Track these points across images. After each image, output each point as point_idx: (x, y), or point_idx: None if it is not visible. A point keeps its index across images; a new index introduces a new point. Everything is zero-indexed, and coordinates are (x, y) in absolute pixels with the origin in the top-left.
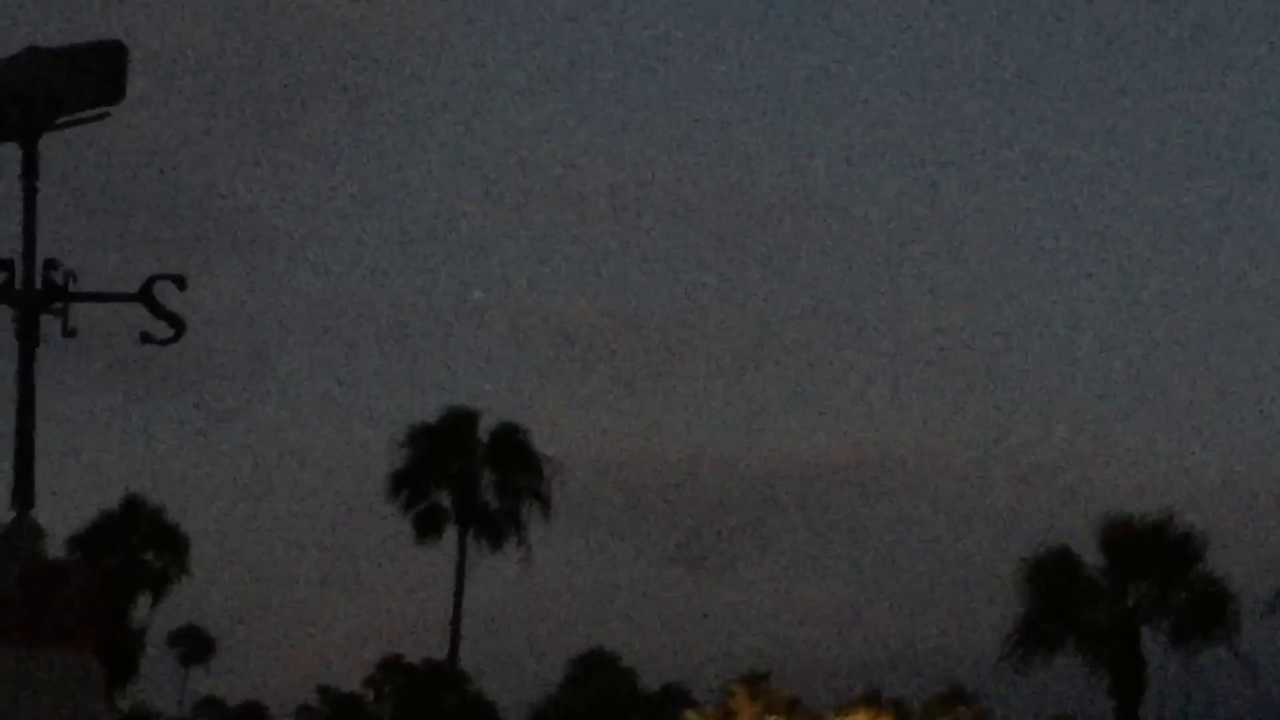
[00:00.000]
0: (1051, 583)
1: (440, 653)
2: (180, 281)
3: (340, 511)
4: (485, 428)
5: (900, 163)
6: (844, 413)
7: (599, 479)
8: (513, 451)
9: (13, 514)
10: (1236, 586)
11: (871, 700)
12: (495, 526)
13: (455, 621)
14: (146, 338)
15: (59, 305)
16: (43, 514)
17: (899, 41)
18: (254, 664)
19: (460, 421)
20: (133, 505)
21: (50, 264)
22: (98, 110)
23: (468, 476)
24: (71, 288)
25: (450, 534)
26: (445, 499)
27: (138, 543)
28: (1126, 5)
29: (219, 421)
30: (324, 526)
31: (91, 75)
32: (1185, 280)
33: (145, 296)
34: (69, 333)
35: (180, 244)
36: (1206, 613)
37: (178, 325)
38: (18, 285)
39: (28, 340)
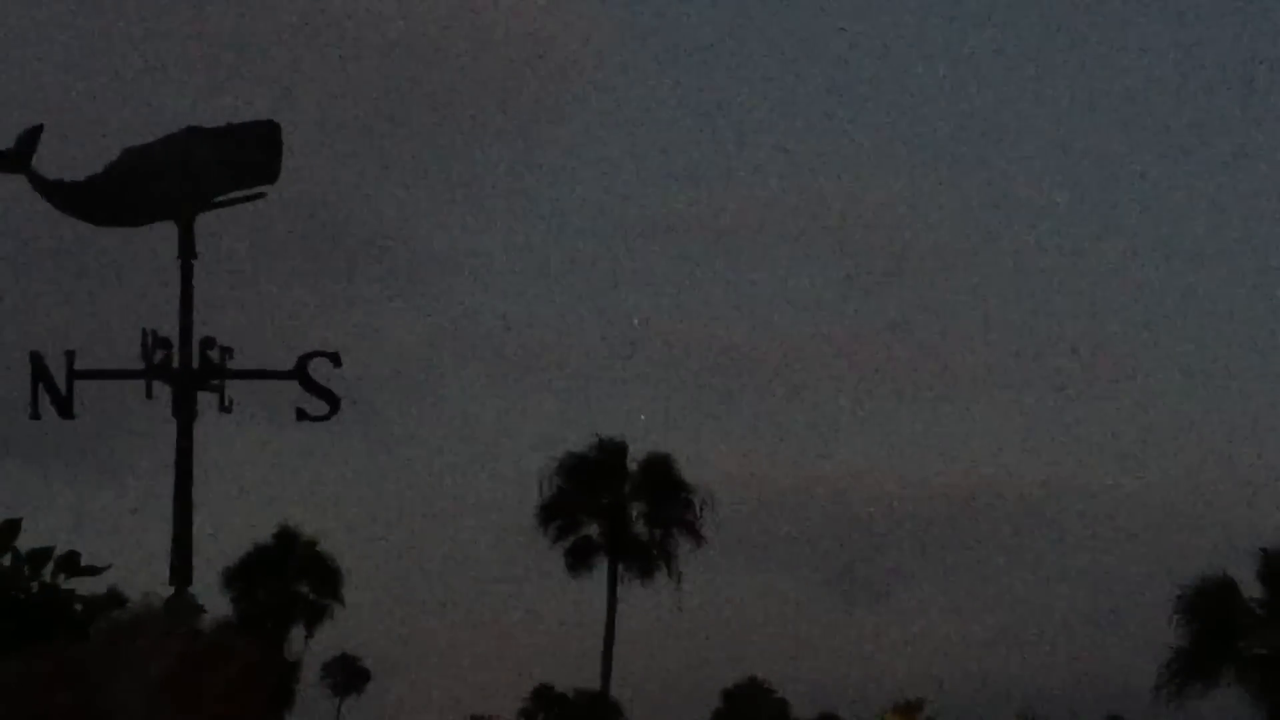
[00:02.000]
0: (1209, 613)
1: (592, 683)
2: (335, 359)
3: (493, 542)
4: (634, 457)
5: (1054, 178)
6: (1003, 440)
7: (750, 507)
8: (662, 481)
9: (171, 590)
10: None
11: None
12: (646, 557)
13: (607, 652)
14: (302, 414)
15: (216, 382)
16: (198, 549)
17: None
18: (408, 695)
19: (610, 452)
20: (286, 536)
21: (207, 342)
22: (254, 190)
23: (618, 507)
24: (228, 364)
25: (601, 564)
26: (595, 530)
27: (292, 574)
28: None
29: (374, 451)
30: (478, 557)
31: (248, 155)
32: None
33: (300, 373)
34: (225, 408)
35: (341, 280)
36: None
37: (333, 402)
38: (175, 364)
39: (185, 417)
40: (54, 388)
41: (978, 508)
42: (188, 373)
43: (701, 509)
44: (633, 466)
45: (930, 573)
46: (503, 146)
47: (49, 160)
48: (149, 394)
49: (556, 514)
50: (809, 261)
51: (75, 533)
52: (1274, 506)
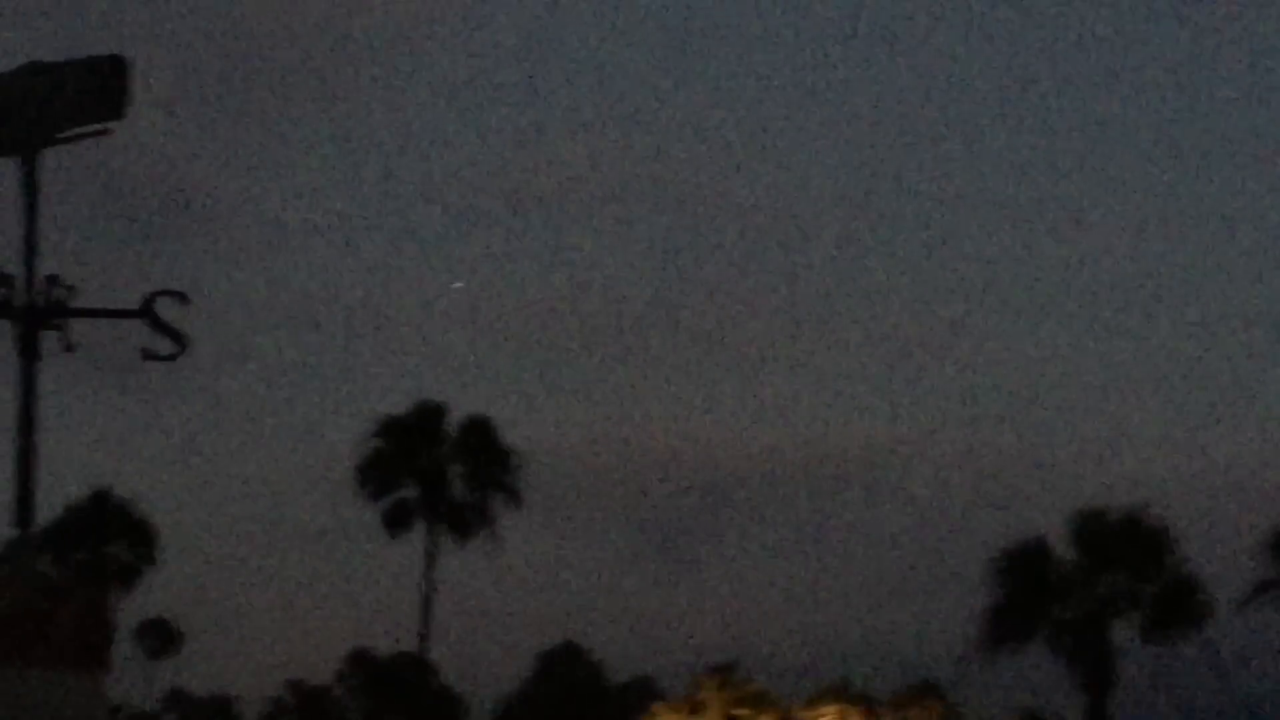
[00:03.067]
0: (1022, 575)
1: (411, 646)
2: (182, 298)
3: (310, 504)
4: (454, 420)
5: (853, 157)
6: (814, 405)
7: (568, 472)
8: (481, 444)
9: (14, 531)
10: (1208, 581)
11: (840, 693)
12: (464, 520)
13: (424, 614)
14: (148, 354)
15: (59, 321)
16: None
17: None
18: (222, 657)
19: (429, 414)
20: (101, 498)
21: (51, 279)
22: (99, 126)
23: (436, 469)
24: (72, 304)
25: (419, 527)
26: (413, 492)
27: (106, 535)
28: None
29: (192, 412)
30: (294, 520)
31: (93, 90)
32: (1161, 268)
33: (147, 312)
34: (69, 348)
35: (170, 242)
36: (1177, 606)
37: (180, 342)
38: (18, 301)
39: (28, 356)
40: None
41: (794, 471)
42: (31, 310)
43: (520, 472)
44: (452, 430)
45: (746, 536)
46: (323, 110)
47: None
48: None
49: (373, 475)
50: (629, 224)
51: None
52: (1089, 471)
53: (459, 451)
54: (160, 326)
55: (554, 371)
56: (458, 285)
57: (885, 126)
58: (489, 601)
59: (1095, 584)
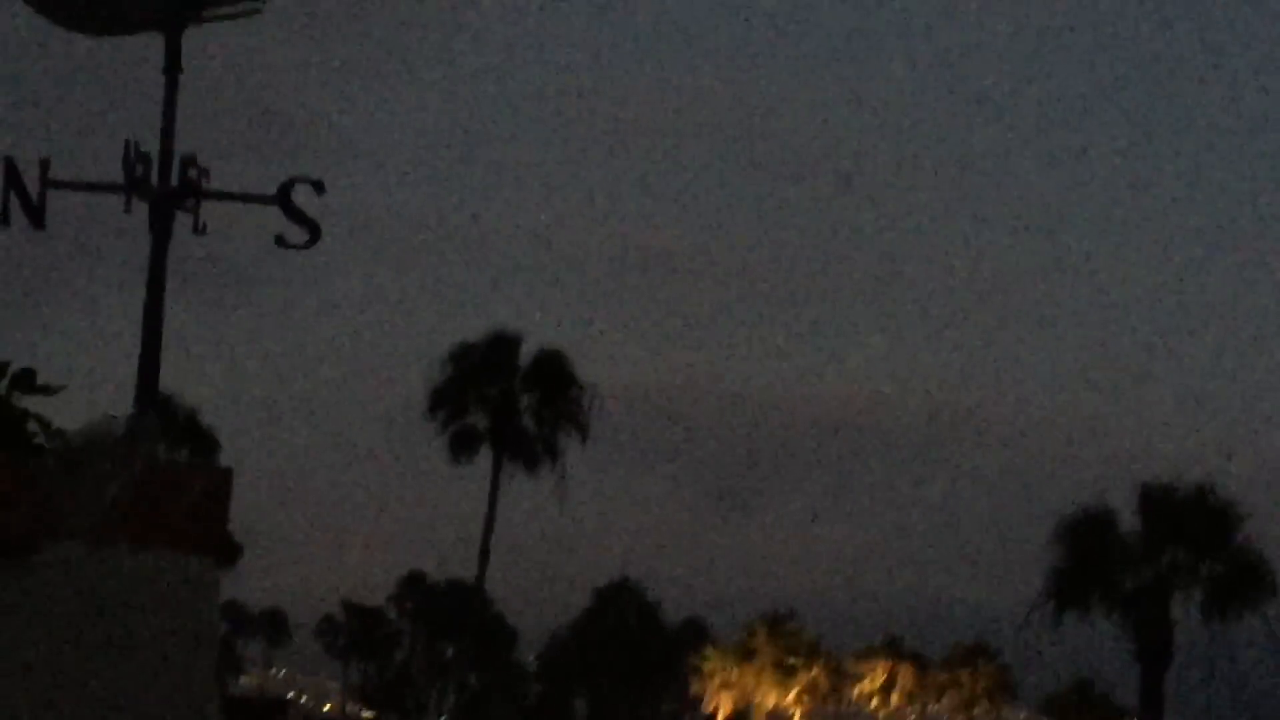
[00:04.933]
0: (1086, 542)
1: (467, 573)
2: (319, 186)
3: (377, 427)
4: (527, 352)
5: (937, 102)
6: (889, 360)
7: (638, 411)
8: (553, 377)
9: (133, 411)
10: (1273, 560)
11: (891, 648)
12: (531, 451)
13: (484, 543)
14: (281, 241)
15: (192, 202)
16: (75, 413)
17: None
18: (280, 572)
19: (502, 344)
20: (164, 403)
21: (187, 160)
22: (248, 5)
23: (507, 398)
24: (206, 186)
25: (485, 455)
26: (482, 420)
27: (168, 442)
28: None
29: (262, 328)
30: (360, 441)
31: None
32: (1233, 245)
33: (283, 198)
34: (200, 230)
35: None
36: (1240, 583)
37: (314, 230)
38: (154, 180)
39: (161, 235)
40: (26, 196)
41: (865, 424)
42: (166, 190)
43: (590, 406)
44: (525, 361)
45: (809, 487)
46: (415, 32)
47: None
48: (127, 208)
49: (444, 401)
50: (714, 166)
51: (39, 354)
52: (1157, 442)
53: (530, 382)
54: (294, 214)
55: (634, 311)
56: (542, 217)
57: (984, 94)
58: (550, 534)
59: (1158, 557)
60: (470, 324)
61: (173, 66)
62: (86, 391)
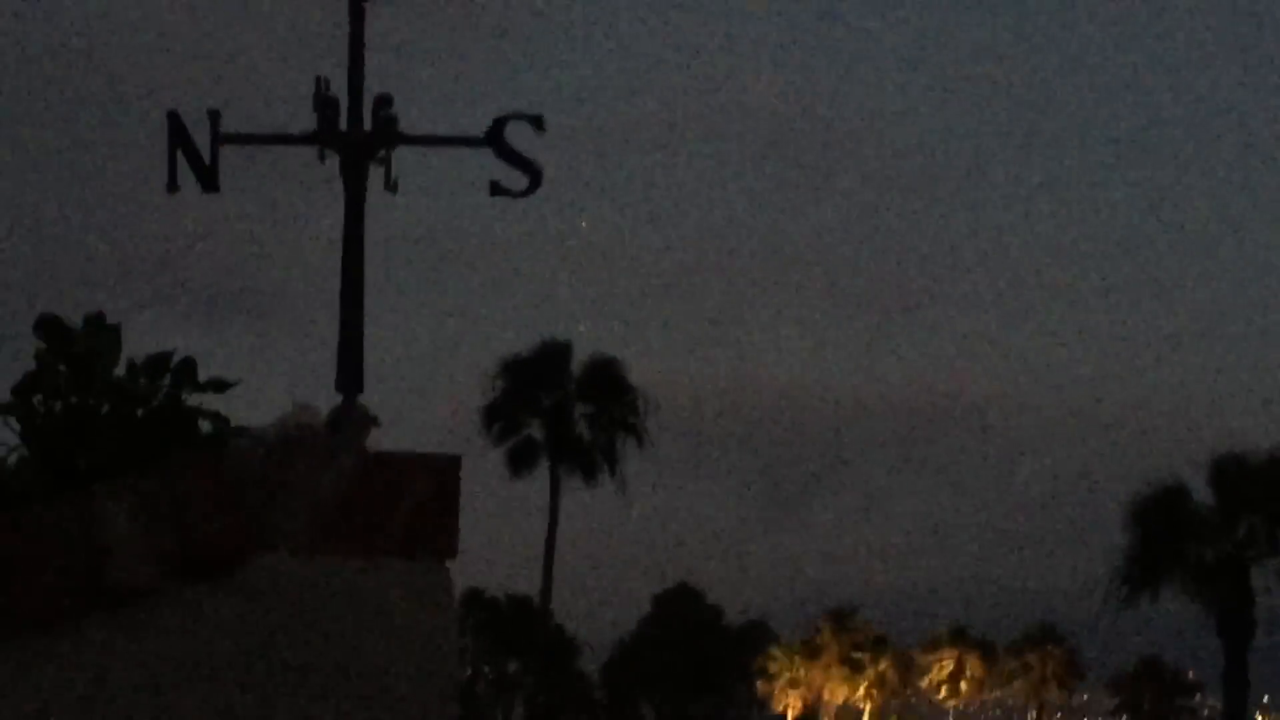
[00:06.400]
0: (1159, 519)
1: (530, 586)
2: (537, 122)
3: (436, 443)
4: (579, 360)
5: (985, 97)
6: (953, 351)
7: (690, 415)
8: (606, 383)
9: (339, 399)
10: None
11: (958, 637)
12: (588, 459)
13: (548, 556)
14: (497, 188)
15: (383, 153)
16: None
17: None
18: None
19: (554, 353)
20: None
21: (382, 101)
22: None
23: (561, 408)
24: (405, 130)
25: (543, 466)
26: (538, 431)
27: None
28: None
29: (309, 348)
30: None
31: None
32: None
33: (495, 139)
34: (391, 187)
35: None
36: None
37: (535, 174)
38: (344, 126)
39: (356, 190)
40: (195, 154)
41: (922, 418)
42: (358, 136)
43: (645, 412)
44: (577, 369)
45: (871, 481)
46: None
47: None
48: (322, 158)
49: (499, 415)
50: (757, 170)
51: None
52: (1227, 415)
53: (584, 390)
54: (511, 156)
55: (681, 313)
56: (584, 224)
57: (1028, 92)
58: (607, 541)
59: (1234, 528)
60: (512, 334)
61: None
62: (261, 389)
